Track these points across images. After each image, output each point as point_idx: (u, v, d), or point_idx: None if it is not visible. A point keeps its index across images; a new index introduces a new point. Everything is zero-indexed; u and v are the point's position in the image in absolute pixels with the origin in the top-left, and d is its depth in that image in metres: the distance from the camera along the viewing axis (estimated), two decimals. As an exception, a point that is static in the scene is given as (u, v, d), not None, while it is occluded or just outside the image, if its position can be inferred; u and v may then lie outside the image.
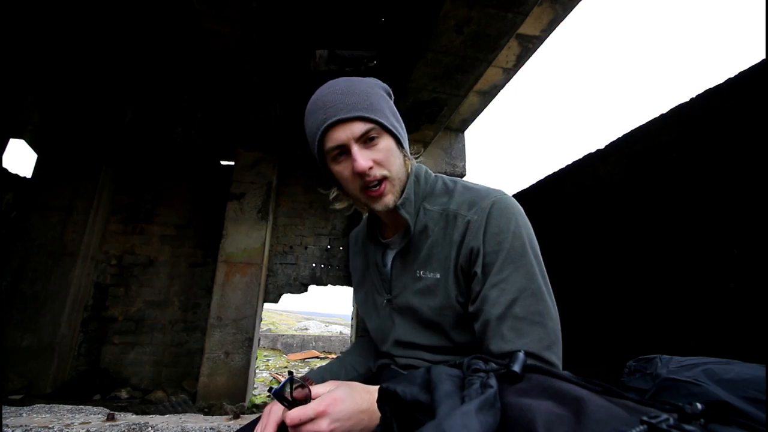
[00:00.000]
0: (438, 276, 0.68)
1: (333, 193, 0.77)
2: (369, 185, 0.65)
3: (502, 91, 4.83)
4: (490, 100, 5.03)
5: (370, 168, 0.64)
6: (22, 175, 4.57)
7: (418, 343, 0.72)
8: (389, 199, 0.67)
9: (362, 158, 0.63)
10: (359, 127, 0.63)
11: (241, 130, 4.89)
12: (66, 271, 4.26)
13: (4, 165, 4.25)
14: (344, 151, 0.65)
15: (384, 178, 0.66)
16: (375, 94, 0.67)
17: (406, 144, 0.71)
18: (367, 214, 0.83)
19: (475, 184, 0.73)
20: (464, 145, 5.82)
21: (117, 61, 4.57)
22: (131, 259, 4.87)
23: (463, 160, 5.73)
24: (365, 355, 0.89)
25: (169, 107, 5.26)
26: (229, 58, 3.74)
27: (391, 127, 0.66)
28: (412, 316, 0.72)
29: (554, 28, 3.82)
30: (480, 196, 0.68)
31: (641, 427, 0.26)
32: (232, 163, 4.96)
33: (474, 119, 5.50)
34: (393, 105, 0.71)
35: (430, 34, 3.12)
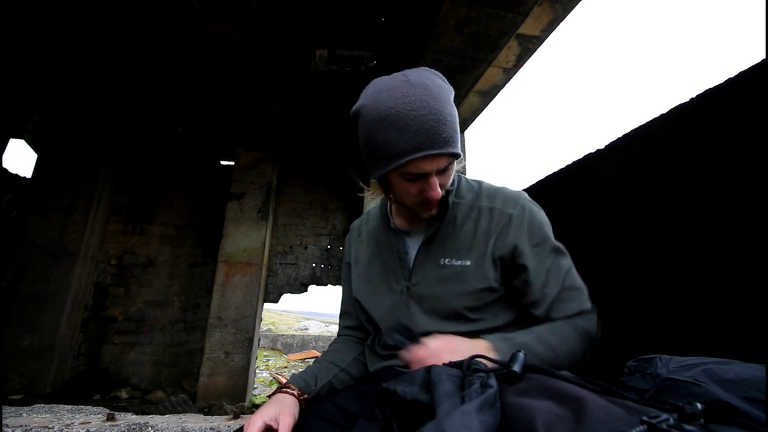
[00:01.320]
0: (468, 263, 0.74)
1: (372, 188, 0.80)
2: (428, 203, 0.72)
3: (502, 91, 4.83)
4: (490, 100, 5.02)
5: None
6: (22, 175, 4.56)
7: (434, 332, 0.70)
8: (435, 210, 0.75)
9: (438, 189, 0.68)
10: (444, 162, 0.67)
11: (241, 130, 4.89)
12: (66, 271, 4.25)
13: (4, 165, 4.24)
14: (422, 176, 0.67)
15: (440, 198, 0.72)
16: (454, 114, 0.68)
17: None
18: (380, 199, 0.87)
19: (496, 185, 0.83)
20: (464, 145, 5.83)
21: (117, 62, 4.57)
22: (131, 259, 4.87)
23: (464, 159, 5.71)
24: (358, 357, 0.85)
25: (169, 107, 5.26)
26: (229, 58, 3.74)
27: (460, 154, 0.70)
28: (433, 304, 0.74)
29: (554, 28, 3.82)
30: (513, 195, 0.79)
31: (641, 427, 0.26)
32: (232, 163, 4.96)
33: (474, 119, 5.50)
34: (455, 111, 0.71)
35: (430, 34, 3.12)
